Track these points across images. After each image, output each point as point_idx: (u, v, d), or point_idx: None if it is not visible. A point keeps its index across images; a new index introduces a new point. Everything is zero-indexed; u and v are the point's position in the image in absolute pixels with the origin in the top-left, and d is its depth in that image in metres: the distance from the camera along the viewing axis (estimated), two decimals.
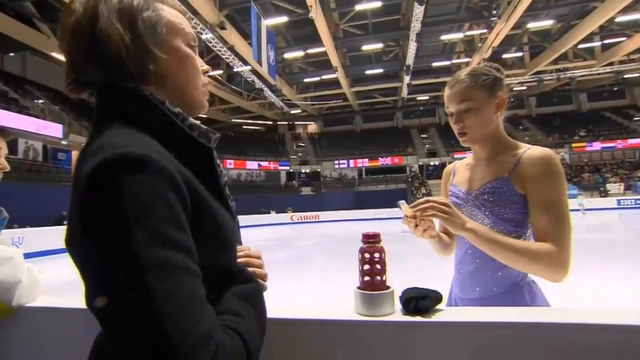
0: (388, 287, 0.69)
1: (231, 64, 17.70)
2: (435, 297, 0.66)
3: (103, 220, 0.39)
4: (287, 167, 31.31)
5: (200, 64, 0.60)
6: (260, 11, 14.50)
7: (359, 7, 17.41)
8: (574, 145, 27.02)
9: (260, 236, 15.43)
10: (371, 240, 0.69)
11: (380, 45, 21.38)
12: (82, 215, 0.40)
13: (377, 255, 0.68)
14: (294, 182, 31.12)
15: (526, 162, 0.92)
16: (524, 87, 26.75)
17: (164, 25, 0.53)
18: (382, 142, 31.42)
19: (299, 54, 21.38)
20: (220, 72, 21.34)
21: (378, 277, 0.67)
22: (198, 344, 0.37)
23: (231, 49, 16.39)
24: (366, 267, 0.68)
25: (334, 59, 19.82)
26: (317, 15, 14.97)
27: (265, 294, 0.55)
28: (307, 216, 23.95)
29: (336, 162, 31.26)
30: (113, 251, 0.38)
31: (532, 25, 18.43)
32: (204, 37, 15.02)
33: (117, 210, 0.38)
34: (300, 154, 33.00)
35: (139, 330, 0.36)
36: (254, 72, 18.86)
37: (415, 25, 15.21)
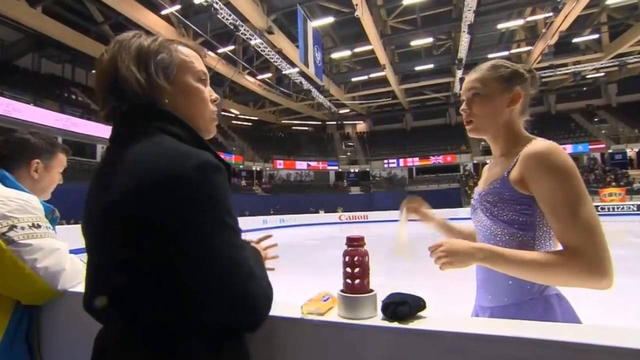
0: (371, 291, 0.68)
1: (280, 67, 18.26)
2: (416, 304, 0.64)
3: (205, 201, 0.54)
4: (336, 167, 31.43)
5: (210, 94, 0.70)
6: (306, 13, 14.77)
7: (406, 2, 16.87)
8: None
9: (308, 235, 15.73)
10: (354, 244, 0.69)
11: (430, 40, 20.51)
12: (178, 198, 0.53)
13: (358, 258, 0.68)
14: (342, 181, 31.16)
15: (523, 160, 0.85)
16: (602, 74, 23.76)
17: (176, 65, 0.64)
18: (433, 140, 30.11)
19: (346, 53, 21.35)
20: (269, 75, 22.12)
21: (358, 280, 0.67)
22: (253, 279, 0.57)
23: (279, 52, 16.92)
24: (348, 270, 0.68)
25: (382, 57, 19.46)
26: (363, 13, 14.82)
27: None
28: (355, 216, 23.84)
29: (385, 161, 30.65)
30: (206, 225, 0.53)
31: (613, 0, 16.13)
32: (252, 42, 15.69)
33: (212, 195, 0.55)
34: (349, 153, 32.94)
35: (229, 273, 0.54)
36: (301, 73, 19.25)
37: (468, 16, 14.33)
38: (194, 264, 0.52)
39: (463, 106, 0.99)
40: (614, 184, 21.98)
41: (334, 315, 0.68)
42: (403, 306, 0.62)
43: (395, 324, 0.62)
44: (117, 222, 0.54)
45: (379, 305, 0.66)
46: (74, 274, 1.03)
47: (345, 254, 0.69)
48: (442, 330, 0.59)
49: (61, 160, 1.21)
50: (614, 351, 0.49)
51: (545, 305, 0.85)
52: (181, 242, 0.52)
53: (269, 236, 0.92)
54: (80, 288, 1.05)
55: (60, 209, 1.20)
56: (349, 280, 0.68)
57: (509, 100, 0.93)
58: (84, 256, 1.17)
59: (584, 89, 25.99)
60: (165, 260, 0.52)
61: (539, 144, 0.86)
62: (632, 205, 20.06)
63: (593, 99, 27.85)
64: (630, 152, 25.13)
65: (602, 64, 20.62)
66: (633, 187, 21.46)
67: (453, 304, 3.56)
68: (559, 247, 0.86)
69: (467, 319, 0.61)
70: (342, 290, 0.69)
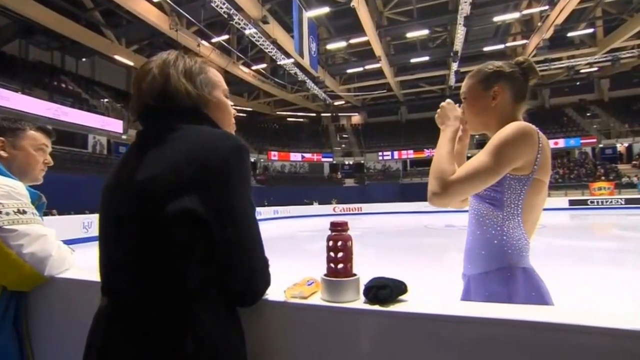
0: (354, 275, 0.70)
1: (274, 57, 18.05)
2: (397, 287, 0.65)
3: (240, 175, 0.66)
4: (331, 159, 31.42)
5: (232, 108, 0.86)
6: (302, 3, 14.56)
7: None
8: None
9: (302, 227, 15.79)
10: (338, 229, 0.70)
11: (426, 32, 20.38)
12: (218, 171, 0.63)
13: (341, 243, 0.69)
14: (337, 173, 31.20)
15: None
16: (595, 69, 23.90)
17: (212, 84, 0.79)
18: (428, 132, 30.04)
19: (342, 44, 21.15)
20: (264, 65, 21.88)
21: (341, 265, 0.68)
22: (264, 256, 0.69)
23: (274, 42, 16.70)
24: (331, 254, 0.69)
25: (378, 48, 19.34)
26: (359, 3, 14.68)
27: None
28: (349, 208, 23.95)
29: (380, 153, 30.70)
30: (241, 198, 0.64)
31: None
32: (247, 32, 15.47)
33: (243, 172, 0.66)
34: (343, 145, 32.91)
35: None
36: (296, 64, 19.07)
37: (464, 8, 14.27)
38: (227, 230, 0.62)
39: (460, 109, 1.11)
40: (603, 178, 22.33)
41: (317, 299, 0.70)
42: (384, 289, 0.64)
43: (377, 307, 0.63)
44: (164, 188, 0.61)
45: (362, 289, 0.68)
46: (61, 261, 1.03)
47: (329, 238, 0.70)
48: (420, 312, 0.60)
49: (34, 137, 1.18)
50: (583, 330, 0.51)
51: (509, 276, 0.94)
52: (219, 207, 0.62)
53: None
54: (69, 274, 1.05)
55: (52, 199, 1.20)
56: (332, 265, 0.69)
57: (491, 98, 1.03)
58: (72, 248, 1.17)
59: (577, 83, 26.16)
60: (204, 225, 0.61)
61: (515, 122, 0.96)
62: (620, 199, 20.45)
63: (586, 93, 28.07)
64: (620, 147, 25.49)
65: (595, 58, 20.72)
66: (622, 182, 21.83)
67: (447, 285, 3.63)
68: (532, 234, 1.00)
69: (446, 302, 0.63)
70: (325, 275, 0.70)
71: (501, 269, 0.95)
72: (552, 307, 0.63)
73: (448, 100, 1.09)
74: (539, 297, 0.92)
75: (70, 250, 1.11)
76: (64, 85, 18.84)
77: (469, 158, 1.07)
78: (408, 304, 0.64)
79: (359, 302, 0.66)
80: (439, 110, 1.08)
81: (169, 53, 0.77)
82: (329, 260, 0.70)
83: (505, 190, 0.94)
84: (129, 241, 0.63)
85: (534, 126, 0.94)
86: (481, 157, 0.91)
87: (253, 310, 0.69)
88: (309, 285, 0.73)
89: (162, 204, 0.60)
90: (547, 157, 0.95)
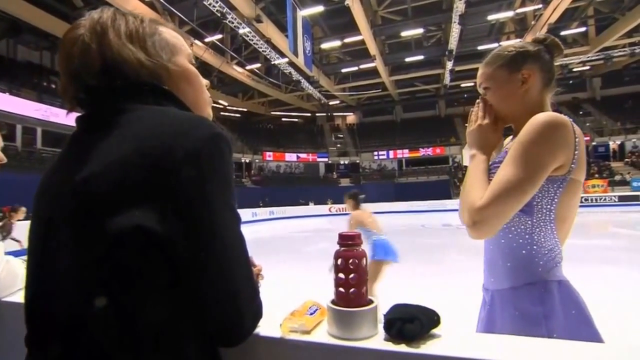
0: (370, 302, 0.54)
1: (268, 56, 17.86)
2: (429, 319, 0.50)
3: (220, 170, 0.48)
4: (326, 159, 31.26)
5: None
6: (296, 2, 14.40)
7: None
8: None
9: (298, 228, 15.61)
10: (349, 243, 0.55)
11: (420, 31, 20.32)
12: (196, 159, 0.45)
13: (353, 261, 0.53)
14: (332, 173, 31.04)
15: (523, 128, 0.80)
16: (587, 67, 24.02)
17: (170, 47, 0.58)
18: (423, 132, 30.20)
19: (336, 43, 21.03)
20: (258, 65, 21.66)
21: (354, 289, 0.53)
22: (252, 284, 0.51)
23: (268, 42, 16.52)
24: (340, 275, 0.54)
25: (372, 48, 19.23)
26: (353, 2, 14.55)
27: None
28: (345, 208, 23.71)
29: (375, 153, 30.62)
30: (220, 208, 0.46)
31: None
32: (241, 31, 15.27)
33: (222, 171, 0.48)
34: (339, 145, 32.78)
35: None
36: (291, 64, 18.90)
37: (459, 7, 14.21)
38: (201, 254, 0.44)
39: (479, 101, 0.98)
40: (597, 175, 22.45)
41: (323, 333, 0.54)
42: (412, 323, 0.48)
43: (403, 347, 0.48)
44: (104, 194, 0.44)
45: (381, 320, 0.53)
46: (11, 280, 0.87)
47: (337, 255, 0.55)
48: (463, 357, 0.45)
49: None
50: None
51: (543, 292, 0.79)
52: (184, 220, 0.44)
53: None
54: (18, 297, 0.89)
55: (28, 202, 1.03)
56: (341, 289, 0.54)
57: (520, 82, 0.89)
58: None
59: (570, 82, 26.32)
60: (167, 248, 0.43)
61: (542, 113, 0.79)
62: (614, 196, 20.56)
63: (578, 92, 28.24)
64: (613, 144, 25.69)
65: (588, 57, 20.84)
66: (615, 179, 21.98)
67: (459, 293, 3.49)
68: (565, 240, 0.87)
69: (493, 338, 0.48)
70: (333, 302, 0.55)
71: (532, 284, 0.80)
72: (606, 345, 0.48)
73: (487, 121, 0.91)
74: (580, 315, 0.77)
75: (24, 264, 0.94)
76: (53, 86, 18.45)
77: None
78: (443, 342, 0.49)
79: (378, 339, 0.51)
80: (476, 128, 0.91)
81: (102, 10, 0.55)
82: (338, 283, 0.54)
83: (537, 194, 0.79)
84: (57, 270, 0.45)
85: (566, 117, 0.79)
86: (509, 169, 0.75)
87: (240, 351, 0.53)
88: (311, 314, 0.57)
89: (101, 217, 0.43)
90: (583, 152, 0.81)
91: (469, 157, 0.90)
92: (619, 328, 2.29)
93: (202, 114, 0.61)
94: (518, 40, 19.57)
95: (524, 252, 0.82)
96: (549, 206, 0.80)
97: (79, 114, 0.54)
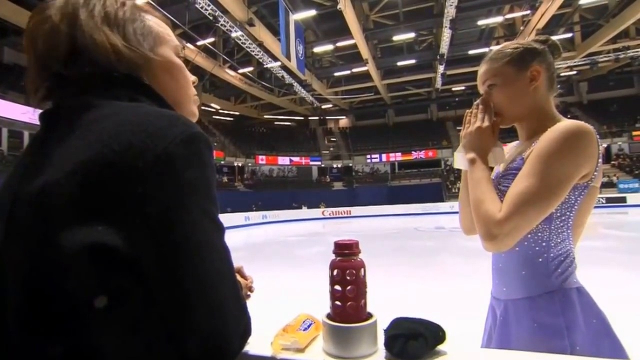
0: (369, 317, 0.50)
1: (261, 60, 17.82)
2: (434, 335, 0.46)
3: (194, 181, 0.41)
4: (319, 163, 31.24)
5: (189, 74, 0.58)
6: (288, 5, 14.42)
7: None
8: (634, 133, 24.41)
9: (291, 232, 15.52)
10: (346, 252, 0.50)
11: (412, 35, 20.52)
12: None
13: (351, 272, 0.49)
14: (325, 177, 31.02)
15: (542, 136, 0.77)
16: (574, 72, 24.50)
17: (154, 36, 0.52)
18: (415, 135, 30.40)
19: (329, 47, 21.09)
20: (250, 69, 21.61)
21: (351, 302, 0.49)
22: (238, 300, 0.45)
23: (261, 45, 16.49)
24: (337, 288, 0.50)
25: (364, 51, 19.34)
26: (345, 6, 14.62)
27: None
28: (338, 212, 23.76)
29: (368, 156, 30.70)
30: (198, 219, 0.40)
31: (585, 1, 16.60)
32: (233, 35, 15.22)
33: (200, 177, 0.42)
34: (331, 148, 32.80)
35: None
36: (283, 67, 18.88)
37: (450, 11, 14.39)
38: (177, 273, 0.38)
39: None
40: None
41: (319, 350, 0.50)
42: (416, 340, 0.44)
43: None
44: (60, 204, 0.37)
45: (381, 337, 0.48)
46: None
47: (333, 266, 0.50)
48: None
49: None
50: None
51: (563, 301, 0.75)
52: (156, 234, 0.38)
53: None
54: None
55: None
56: (338, 303, 0.49)
57: (529, 79, 0.85)
58: None
59: (558, 86, 26.79)
60: (133, 270, 0.37)
61: (570, 121, 0.76)
62: (601, 198, 20.92)
63: (566, 96, 28.80)
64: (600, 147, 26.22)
65: (574, 62, 21.28)
66: (602, 181, 22.40)
67: (462, 301, 3.46)
68: (578, 242, 0.84)
69: (505, 355, 0.44)
70: (329, 316, 0.50)
71: (551, 293, 0.76)
72: None
73: (486, 123, 0.85)
74: (601, 325, 0.74)
75: None
76: None
77: None
78: (447, 359, 0.45)
79: (379, 358, 0.47)
80: (476, 130, 0.85)
81: None
82: (335, 296, 0.50)
83: None
84: (8, 295, 0.38)
85: (588, 125, 0.75)
86: (532, 181, 0.71)
87: None
88: (305, 330, 0.52)
89: (56, 234, 0.36)
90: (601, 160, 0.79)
91: (468, 160, 0.85)
92: (616, 328, 2.28)
93: (185, 113, 0.55)
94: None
95: (540, 260, 0.78)
96: (568, 213, 0.78)
97: (41, 111, 0.47)
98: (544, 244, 0.78)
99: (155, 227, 0.38)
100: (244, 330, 0.45)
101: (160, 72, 0.52)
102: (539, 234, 0.79)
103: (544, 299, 0.77)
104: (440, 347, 0.47)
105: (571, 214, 0.78)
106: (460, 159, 0.88)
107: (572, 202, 0.77)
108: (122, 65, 0.47)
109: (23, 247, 0.38)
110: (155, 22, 0.54)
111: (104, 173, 0.37)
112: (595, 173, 0.76)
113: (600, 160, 0.76)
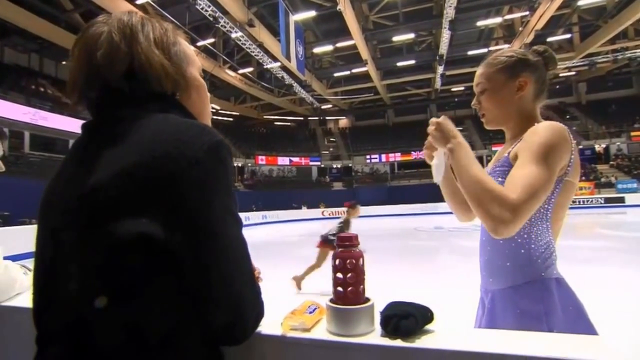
0: (367, 300, 0.57)
1: (261, 61, 17.89)
2: (423, 315, 0.53)
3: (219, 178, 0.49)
4: (319, 163, 31.31)
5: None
6: (288, 6, 14.49)
7: None
8: (633, 133, 24.53)
9: (291, 232, 15.58)
10: (346, 244, 0.57)
11: (411, 36, 20.60)
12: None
13: (351, 261, 0.56)
14: (325, 177, 31.08)
15: (525, 136, 0.85)
16: (573, 73, 24.62)
17: (187, 58, 0.61)
18: (415, 135, 30.40)
19: (328, 48, 21.16)
20: (250, 69, 21.67)
21: (351, 288, 0.56)
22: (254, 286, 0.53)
23: (260, 46, 16.55)
24: (339, 275, 0.57)
25: (364, 52, 19.41)
26: (345, 7, 14.70)
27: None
28: (338, 212, 23.78)
29: (368, 156, 30.78)
30: (222, 214, 0.48)
31: (584, 2, 16.73)
32: (233, 35, 15.28)
33: (224, 178, 0.50)
34: (331, 149, 32.87)
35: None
36: (283, 68, 18.94)
37: (449, 12, 14.47)
38: (204, 259, 0.46)
39: (474, 101, 1.00)
40: (583, 178, 22.93)
41: (323, 330, 0.56)
42: (407, 319, 0.51)
43: (399, 342, 0.50)
44: (110, 202, 0.45)
45: (377, 317, 0.55)
46: (8, 284, 0.87)
47: (335, 256, 0.57)
48: (459, 349, 0.48)
49: None
50: None
51: (543, 289, 0.83)
52: (188, 226, 0.46)
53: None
54: (19, 301, 0.89)
55: (31, 208, 1.03)
56: (340, 288, 0.56)
57: (516, 88, 0.92)
58: (30, 262, 1.00)
59: (557, 87, 26.93)
60: (170, 255, 0.45)
61: (546, 122, 0.86)
62: (600, 198, 21.02)
63: (565, 96, 28.88)
64: (599, 147, 26.28)
65: (573, 63, 21.37)
66: (601, 181, 22.47)
67: (454, 289, 3.53)
68: (557, 236, 0.90)
69: (487, 332, 0.51)
70: (331, 300, 0.57)
71: (532, 282, 0.84)
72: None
73: (443, 117, 0.85)
74: (577, 311, 0.82)
75: (22, 269, 0.94)
76: (42, 89, 18.18)
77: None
78: (437, 337, 0.51)
79: (375, 335, 0.54)
80: (433, 130, 0.83)
81: (129, 14, 0.57)
82: (337, 282, 0.57)
83: None
84: (63, 277, 0.47)
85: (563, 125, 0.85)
86: (533, 169, 0.76)
87: (242, 349, 0.55)
88: (310, 313, 0.59)
89: (107, 225, 0.44)
90: (577, 156, 0.87)
91: (448, 151, 0.81)
92: (610, 324, 2.35)
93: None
94: (507, 45, 20.06)
95: (522, 251, 0.85)
96: (546, 205, 0.84)
97: (84, 121, 0.55)
98: (525, 236, 0.85)
99: (187, 220, 0.45)
100: (259, 312, 0.53)
101: (191, 89, 0.60)
102: (521, 227, 0.84)
103: (526, 287, 0.84)
104: (429, 327, 0.54)
105: (549, 207, 0.85)
106: (435, 170, 0.89)
107: (550, 195, 0.84)
108: (168, 83, 0.55)
109: (79, 234, 0.46)
110: (186, 45, 0.63)
111: (146, 176, 0.45)
112: (569, 168, 0.83)
113: (573, 155, 0.83)
